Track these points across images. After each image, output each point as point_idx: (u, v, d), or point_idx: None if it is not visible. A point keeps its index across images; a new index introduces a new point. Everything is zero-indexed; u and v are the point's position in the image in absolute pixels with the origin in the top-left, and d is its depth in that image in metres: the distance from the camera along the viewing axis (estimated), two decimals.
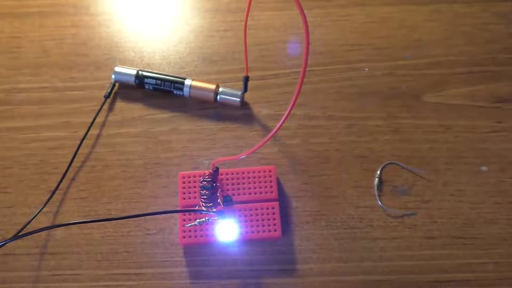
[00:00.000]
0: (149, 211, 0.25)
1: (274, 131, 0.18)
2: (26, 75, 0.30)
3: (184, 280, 0.24)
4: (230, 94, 0.28)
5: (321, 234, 0.25)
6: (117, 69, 0.29)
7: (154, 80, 0.28)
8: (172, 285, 0.24)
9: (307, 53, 0.15)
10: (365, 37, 0.31)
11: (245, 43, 0.24)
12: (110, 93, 0.29)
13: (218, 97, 0.28)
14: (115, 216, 0.25)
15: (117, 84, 0.29)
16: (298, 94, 0.16)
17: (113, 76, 0.29)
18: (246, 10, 0.22)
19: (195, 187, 0.25)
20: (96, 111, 0.28)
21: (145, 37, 0.31)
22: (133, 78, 0.28)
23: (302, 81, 0.16)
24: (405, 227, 0.25)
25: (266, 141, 0.19)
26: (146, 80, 0.28)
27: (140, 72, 0.28)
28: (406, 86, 0.29)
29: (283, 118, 0.18)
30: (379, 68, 0.30)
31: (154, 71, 0.29)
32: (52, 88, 0.29)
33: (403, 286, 0.23)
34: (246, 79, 0.27)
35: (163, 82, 0.28)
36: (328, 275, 0.24)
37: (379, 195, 0.25)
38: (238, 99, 0.28)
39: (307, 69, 0.29)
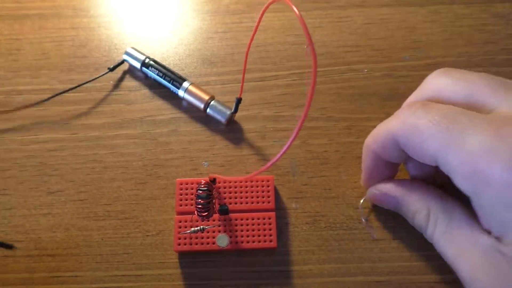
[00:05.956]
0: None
1: (285, 147, 0.16)
2: (26, 77, 0.30)
3: (183, 282, 0.24)
4: (218, 111, 0.27)
5: (320, 235, 0.25)
6: (129, 50, 0.30)
7: (157, 71, 0.29)
8: (171, 286, 0.24)
9: (314, 55, 0.15)
10: (364, 39, 0.31)
11: (246, 58, 0.24)
12: (115, 67, 0.29)
13: (208, 110, 0.28)
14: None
15: (126, 64, 0.30)
16: (309, 103, 0.14)
17: (123, 56, 0.30)
18: (253, 32, 0.22)
19: (192, 194, 0.24)
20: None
21: (145, 39, 0.31)
22: (140, 63, 0.29)
23: (313, 87, 0.16)
24: (404, 228, 0.25)
25: (277, 159, 0.16)
26: (150, 68, 0.29)
27: (147, 60, 0.29)
28: (405, 87, 0.29)
29: (294, 134, 0.16)
30: (378, 69, 0.30)
31: (161, 63, 0.30)
32: (52, 90, 0.29)
33: (402, 287, 0.23)
34: (238, 101, 0.26)
35: (164, 75, 0.28)
36: (327, 276, 0.24)
37: None
38: (223, 119, 0.27)
39: (306, 70, 0.30)
